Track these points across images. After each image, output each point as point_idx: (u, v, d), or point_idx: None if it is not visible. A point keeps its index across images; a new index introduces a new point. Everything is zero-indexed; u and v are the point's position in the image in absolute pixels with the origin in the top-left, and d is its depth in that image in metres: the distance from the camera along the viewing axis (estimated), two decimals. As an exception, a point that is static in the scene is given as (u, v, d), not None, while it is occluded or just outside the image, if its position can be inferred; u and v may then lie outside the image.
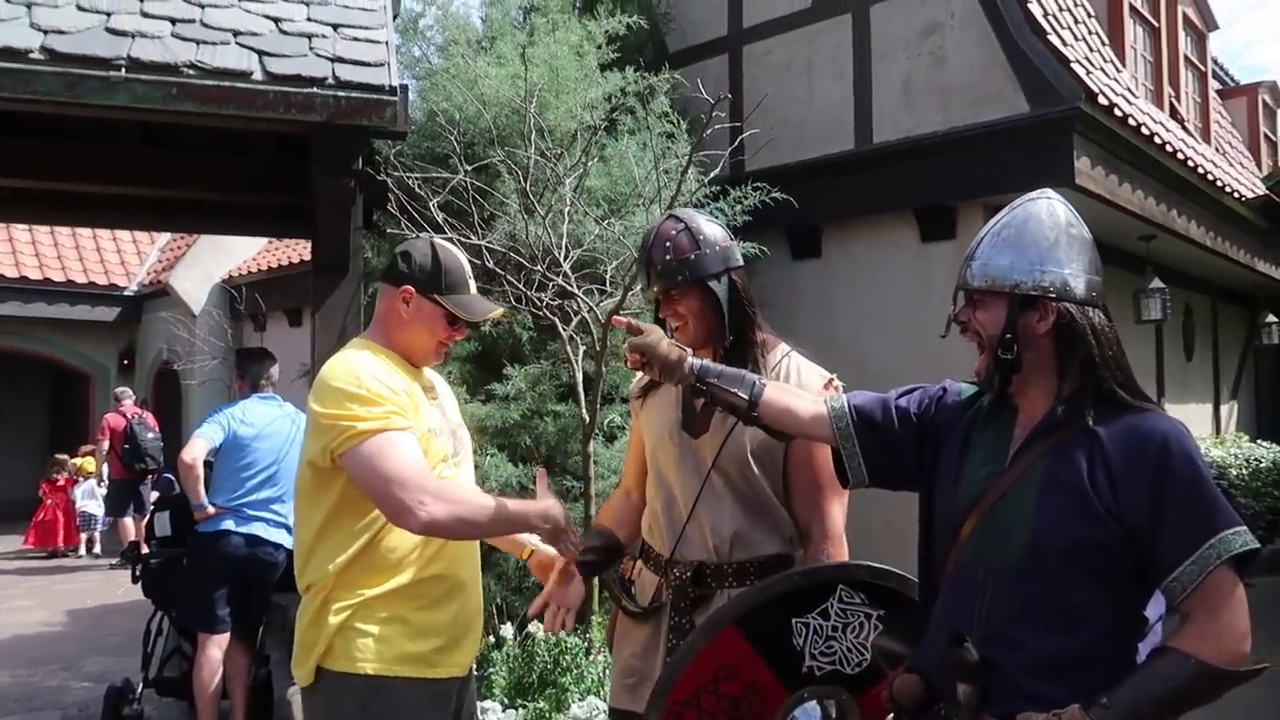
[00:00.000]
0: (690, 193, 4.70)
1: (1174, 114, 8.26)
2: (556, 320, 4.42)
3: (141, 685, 4.40)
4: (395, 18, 3.95)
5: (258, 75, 3.08)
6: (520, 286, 4.47)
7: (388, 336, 1.99)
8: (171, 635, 4.52)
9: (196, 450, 4.06)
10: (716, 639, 1.78)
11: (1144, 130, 6.04)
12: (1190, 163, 6.86)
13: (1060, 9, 6.28)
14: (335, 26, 3.43)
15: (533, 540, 2.19)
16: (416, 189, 4.56)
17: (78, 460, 10.66)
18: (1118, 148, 5.88)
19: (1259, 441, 9.03)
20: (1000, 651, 1.44)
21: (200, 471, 4.09)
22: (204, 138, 3.72)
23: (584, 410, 4.34)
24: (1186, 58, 8.94)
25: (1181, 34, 8.75)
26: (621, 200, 5.07)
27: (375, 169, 4.31)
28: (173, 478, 5.10)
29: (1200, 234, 7.39)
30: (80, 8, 3.13)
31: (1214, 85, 10.13)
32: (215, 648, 4.11)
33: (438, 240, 2.07)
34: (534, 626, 3.98)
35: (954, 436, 1.62)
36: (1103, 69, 6.51)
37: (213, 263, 11.39)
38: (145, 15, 3.19)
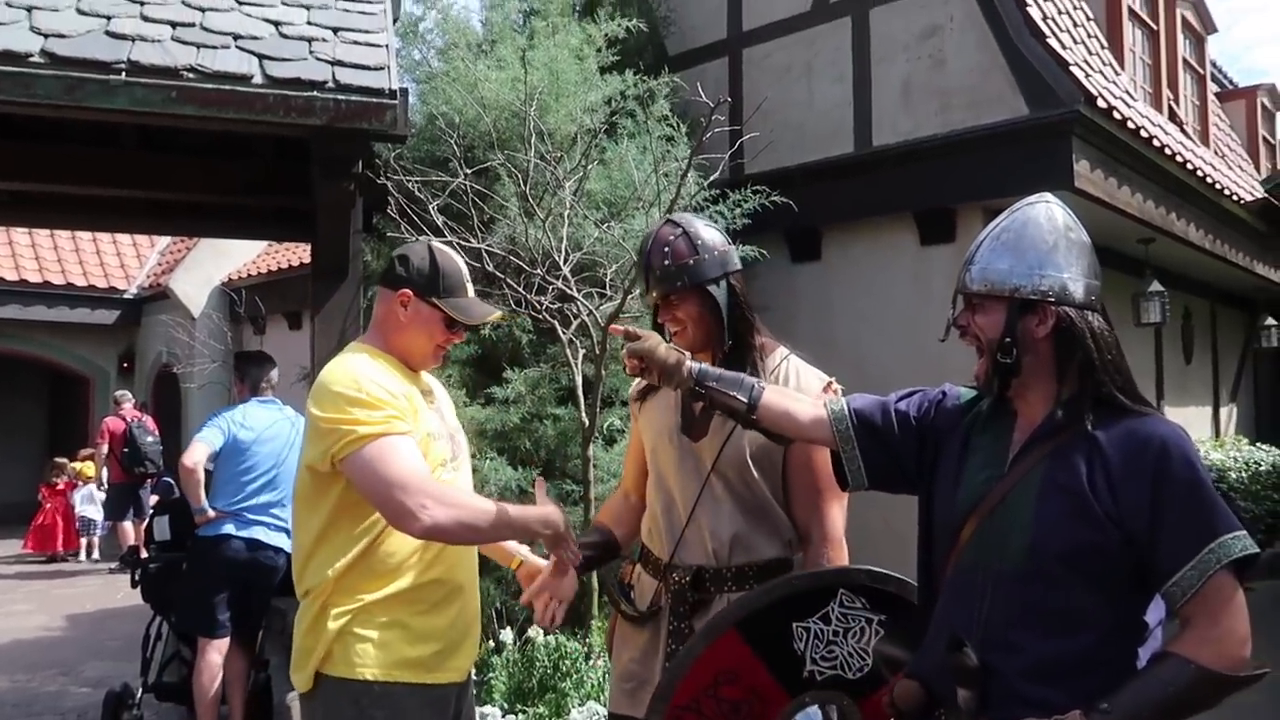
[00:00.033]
0: (690, 196, 4.70)
1: (1173, 117, 8.26)
2: (556, 324, 4.42)
3: (141, 690, 4.39)
4: (395, 21, 3.95)
5: (258, 79, 3.08)
6: (520, 290, 4.47)
7: (386, 340, 1.99)
8: (171, 640, 4.51)
9: (197, 455, 4.06)
10: (716, 643, 1.78)
11: (1143, 133, 6.05)
12: (1189, 166, 6.86)
13: (1059, 12, 6.28)
14: (335, 30, 3.44)
15: (522, 550, 2.19)
16: (416, 192, 4.56)
17: (77, 464, 10.65)
18: (1117, 151, 5.88)
19: (1258, 444, 9.03)
20: (999, 655, 1.43)
21: (201, 476, 4.09)
22: (203, 141, 3.72)
23: (583, 414, 4.34)
24: (1185, 61, 8.95)
25: (1180, 37, 8.76)
26: (621, 203, 5.07)
27: (375, 172, 4.32)
28: (172, 481, 5.10)
29: (1199, 237, 7.39)
30: (81, 11, 3.13)
31: (1213, 88, 10.14)
32: (215, 652, 4.10)
33: (435, 243, 2.07)
34: (534, 631, 3.97)
35: (953, 440, 1.62)
36: (1102, 72, 6.52)
37: (212, 266, 11.39)
38: (145, 19, 3.19)
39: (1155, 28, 8.18)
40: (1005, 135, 5.60)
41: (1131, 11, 7.71)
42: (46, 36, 2.96)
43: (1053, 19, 5.96)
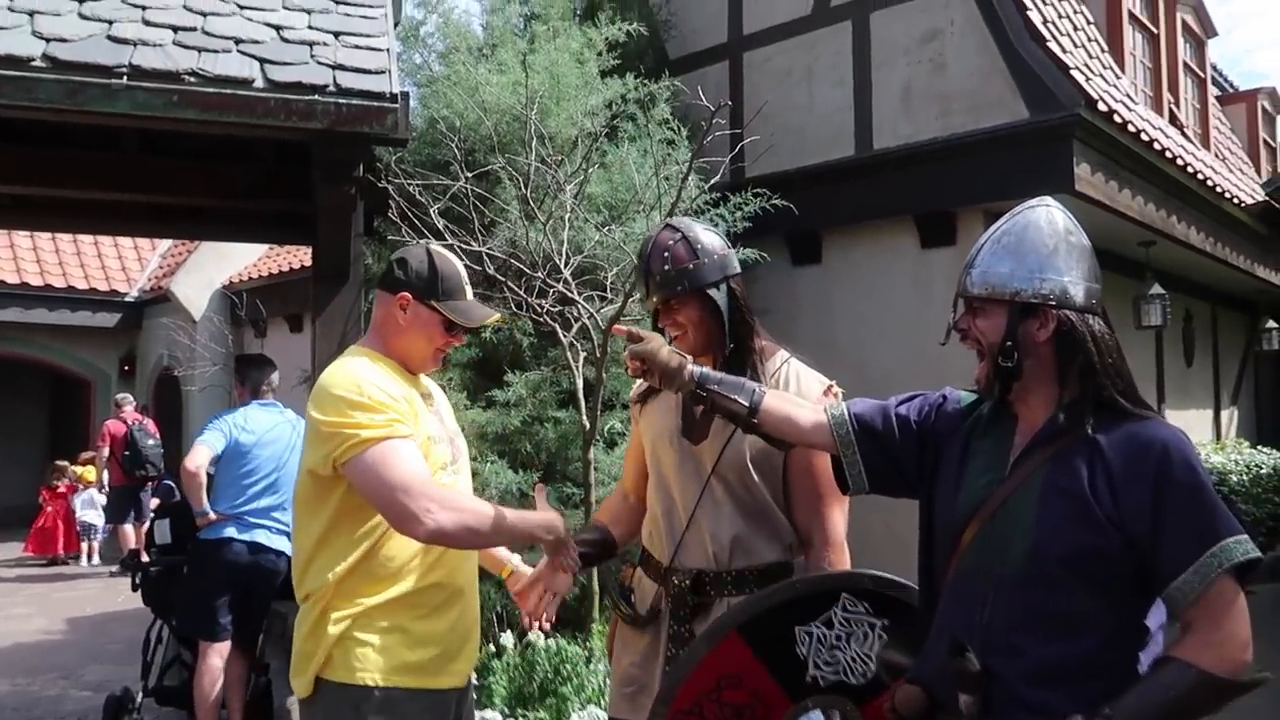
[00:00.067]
0: (691, 199, 4.71)
1: (1173, 120, 8.27)
2: (557, 327, 4.42)
3: (141, 694, 4.39)
4: (396, 25, 3.96)
5: (259, 83, 3.09)
6: (521, 293, 4.47)
7: (385, 343, 1.99)
8: (171, 644, 4.51)
9: (200, 458, 4.06)
10: (719, 647, 1.77)
11: (1143, 136, 6.05)
12: (1190, 169, 6.86)
13: (1059, 16, 6.29)
14: (336, 34, 3.44)
15: (513, 560, 2.20)
16: (417, 196, 4.56)
17: (78, 468, 10.65)
18: (1117, 154, 5.88)
19: (1259, 447, 9.02)
20: (1001, 660, 1.43)
21: (203, 479, 4.09)
22: (204, 145, 3.72)
23: (584, 417, 4.34)
24: (1185, 64, 8.96)
25: (1180, 40, 8.76)
26: (622, 207, 5.07)
27: (376, 176, 4.32)
28: (173, 484, 5.10)
29: (1200, 240, 7.39)
30: (82, 16, 3.14)
31: (1213, 91, 10.15)
32: (216, 656, 4.10)
33: (433, 246, 2.07)
34: (534, 635, 3.97)
35: (954, 444, 1.62)
36: (1102, 75, 6.52)
37: (214, 269, 11.40)
38: (147, 23, 3.19)
39: (1155, 31, 8.18)
40: (1006, 139, 5.60)
41: (1132, 15, 7.72)
42: (48, 41, 2.96)
43: (1053, 23, 5.96)
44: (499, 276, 4.50)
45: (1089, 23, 7.07)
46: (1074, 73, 5.48)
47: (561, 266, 4.39)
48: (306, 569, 1.89)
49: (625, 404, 4.79)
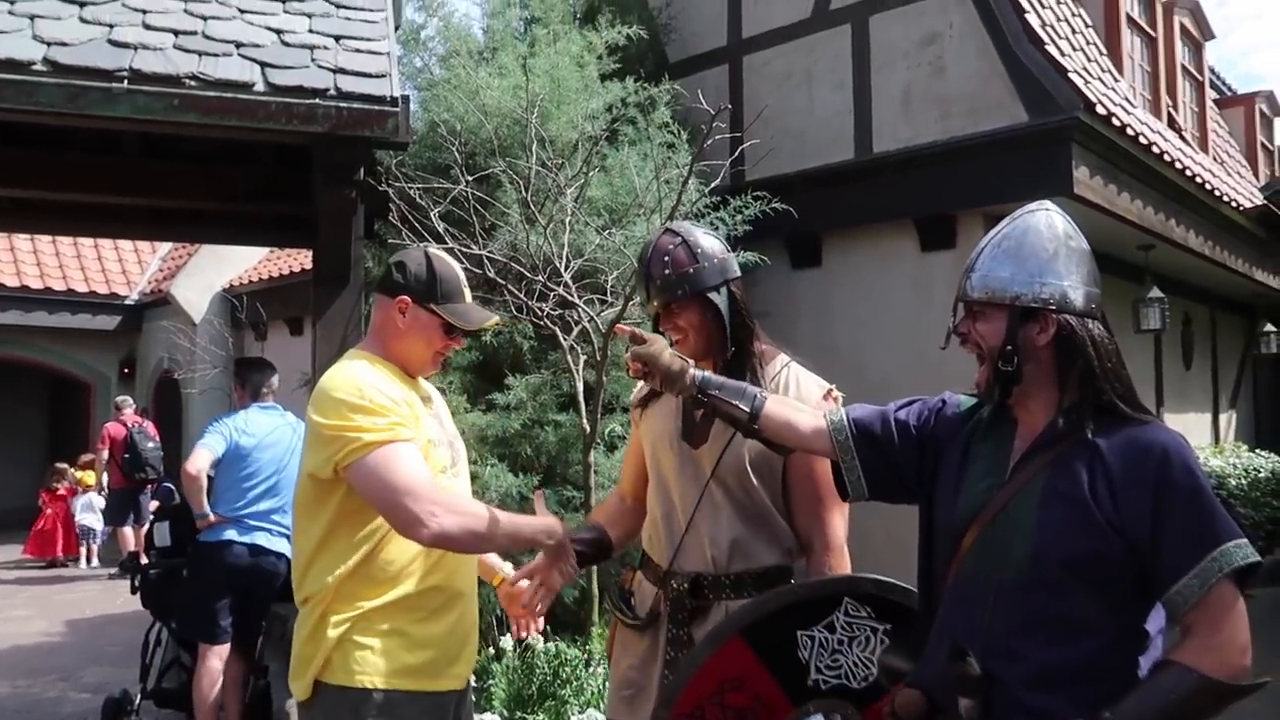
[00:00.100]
0: (691, 202, 4.71)
1: (1172, 123, 8.28)
2: (557, 330, 4.42)
3: (140, 696, 4.39)
4: (397, 29, 3.96)
5: (260, 86, 3.09)
6: (521, 296, 4.47)
7: (384, 347, 1.99)
8: (170, 646, 4.51)
9: (201, 461, 4.06)
10: (721, 650, 1.78)
11: (1142, 140, 6.06)
12: (1188, 172, 6.87)
13: (1058, 19, 6.30)
14: (337, 38, 3.44)
15: (505, 568, 2.20)
16: (418, 199, 4.57)
17: (78, 471, 10.65)
18: (1116, 157, 5.89)
19: (1258, 451, 9.02)
20: (1001, 664, 1.44)
21: (204, 482, 4.09)
22: (205, 148, 3.73)
23: (585, 420, 4.34)
24: (1184, 67, 8.97)
25: (1178, 43, 8.78)
26: (622, 210, 5.08)
27: (377, 179, 4.32)
28: (172, 487, 5.10)
29: (1198, 243, 7.40)
30: (83, 20, 3.14)
31: (1211, 95, 10.17)
32: (216, 658, 4.10)
33: (432, 249, 2.07)
34: (533, 638, 3.97)
35: (953, 448, 1.63)
36: (1100, 79, 6.53)
37: (214, 272, 11.39)
38: (148, 27, 3.20)
39: (1153, 35, 8.20)
40: (1005, 142, 5.61)
41: (1130, 19, 7.73)
42: (49, 44, 2.96)
43: (1051, 26, 5.97)
44: (499, 280, 4.51)
45: (1087, 26, 7.08)
46: (1072, 76, 5.49)
47: (562, 270, 4.39)
48: (306, 572, 1.89)
49: (626, 407, 4.79)
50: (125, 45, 3.06)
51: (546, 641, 3.99)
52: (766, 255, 5.79)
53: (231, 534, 4.12)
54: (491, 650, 4.01)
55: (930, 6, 6.07)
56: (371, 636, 1.84)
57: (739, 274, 2.09)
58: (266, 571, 4.14)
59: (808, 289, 6.61)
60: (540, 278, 4.47)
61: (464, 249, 4.41)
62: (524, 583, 2.06)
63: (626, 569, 2.24)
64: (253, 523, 4.15)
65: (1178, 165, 6.67)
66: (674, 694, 1.79)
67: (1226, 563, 1.35)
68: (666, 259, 2.01)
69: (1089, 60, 6.58)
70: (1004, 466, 1.54)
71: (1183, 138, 8.39)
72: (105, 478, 9.81)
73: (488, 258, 4.52)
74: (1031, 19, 5.65)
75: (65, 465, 10.81)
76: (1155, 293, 7.18)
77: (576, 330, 4.45)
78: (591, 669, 3.90)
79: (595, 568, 4.23)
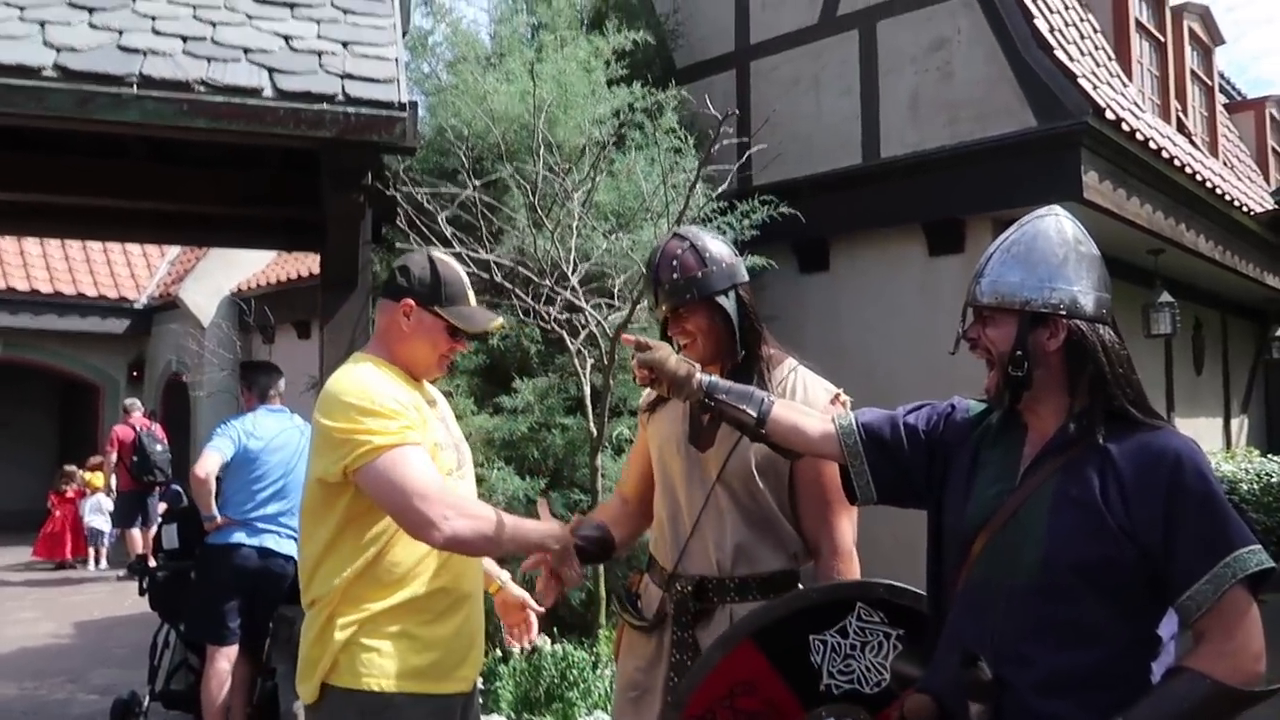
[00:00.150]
0: (698, 207, 4.72)
1: (1181, 128, 8.25)
2: (564, 334, 4.43)
3: (148, 698, 4.40)
4: (405, 35, 3.97)
5: (268, 92, 3.10)
6: (528, 300, 4.48)
7: (389, 350, 1.99)
8: (178, 648, 4.52)
9: (210, 465, 4.08)
10: (733, 653, 1.77)
11: (1151, 144, 6.04)
12: (1198, 177, 6.85)
13: (1066, 24, 6.29)
14: (345, 44, 3.45)
15: (503, 576, 2.21)
16: (425, 204, 4.58)
17: (86, 473, 10.69)
18: (1125, 162, 5.87)
19: (1270, 456, 8.97)
20: (1011, 669, 1.43)
21: (213, 485, 4.10)
22: (213, 152, 3.74)
23: (592, 423, 4.34)
24: (1193, 72, 8.94)
25: (1188, 48, 8.75)
26: (630, 215, 5.08)
27: (384, 184, 4.33)
28: (180, 489, 5.12)
29: (1209, 248, 7.37)
30: (92, 26, 3.16)
31: (1221, 99, 10.12)
32: (224, 660, 4.11)
33: (435, 253, 2.08)
34: (541, 640, 3.97)
35: (963, 454, 1.62)
36: (1109, 84, 6.52)
37: (222, 275, 11.44)
38: (156, 33, 3.21)
39: (1163, 39, 8.17)
40: (1013, 147, 5.60)
41: (1139, 23, 7.71)
42: (59, 50, 2.98)
43: (1060, 31, 5.96)
44: (507, 284, 4.51)
45: (1096, 31, 7.06)
46: (1081, 81, 5.48)
47: (569, 274, 4.40)
48: (313, 575, 1.90)
49: (633, 411, 4.79)
50: (134, 51, 3.07)
51: (554, 644, 3.99)
52: (774, 260, 5.78)
53: (240, 537, 4.13)
54: (498, 652, 4.01)
55: (938, 12, 6.07)
56: (378, 639, 1.84)
57: (747, 278, 2.09)
58: (275, 574, 4.15)
59: (815, 293, 6.60)
60: (547, 282, 4.47)
61: (471, 253, 4.42)
62: (518, 592, 2.14)
63: (634, 572, 2.25)
64: (261, 525, 4.16)
65: (1187, 170, 6.65)
66: (685, 696, 1.78)
67: (1240, 568, 1.34)
68: (675, 263, 2.01)
69: (1098, 65, 6.57)
70: (1014, 472, 1.53)
71: (1192, 142, 8.36)
72: (114, 480, 9.85)
73: (495, 262, 4.53)
74: (1040, 24, 5.64)
75: (74, 468, 10.86)
76: (1165, 297, 7.15)
77: (584, 334, 4.45)
78: (599, 671, 3.90)
79: (603, 571, 4.23)
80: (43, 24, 3.08)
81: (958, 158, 5.82)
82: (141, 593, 4.46)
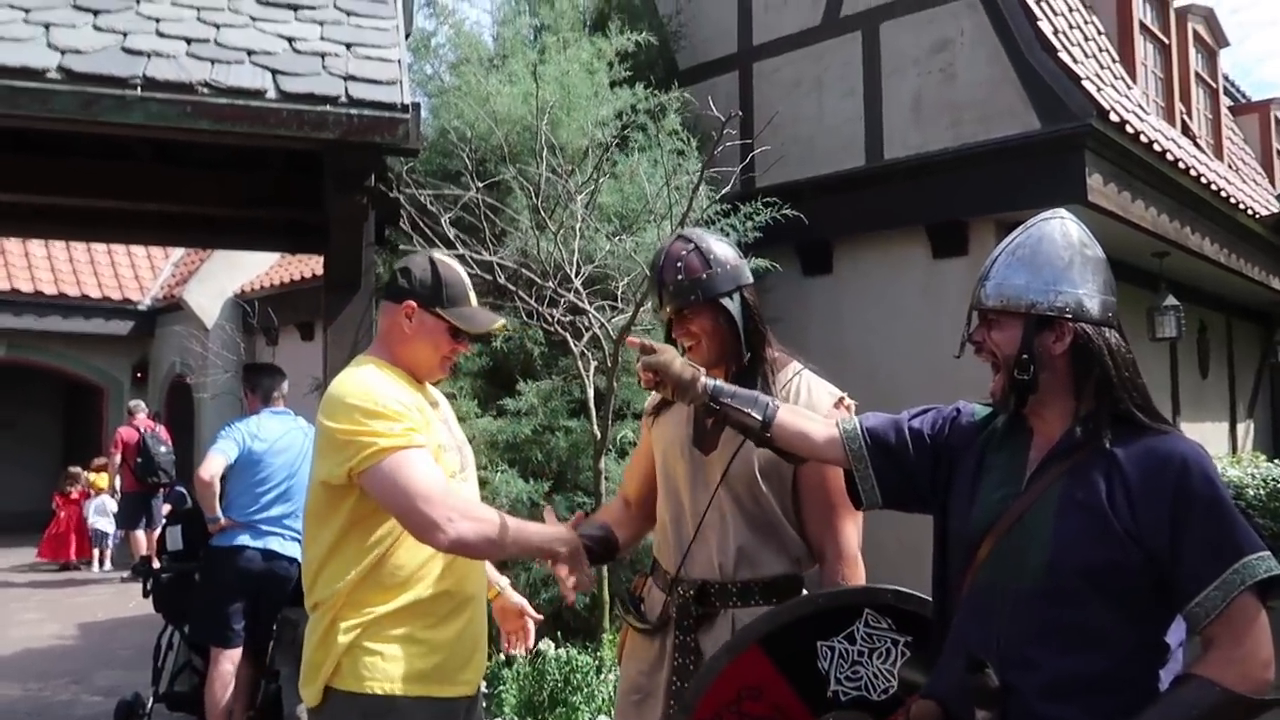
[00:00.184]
0: (701, 209, 4.71)
1: (1186, 131, 8.23)
2: (568, 336, 4.42)
3: (152, 700, 4.40)
4: (408, 36, 3.98)
5: (271, 94, 3.10)
6: (532, 302, 4.48)
7: (392, 353, 1.99)
8: (182, 650, 4.52)
9: (214, 467, 4.08)
10: (740, 658, 1.77)
11: (1156, 147, 6.02)
12: (1203, 179, 6.83)
13: (1070, 26, 6.27)
14: (348, 45, 3.46)
15: (502, 582, 2.20)
16: (428, 205, 4.58)
17: (91, 475, 10.71)
18: (1130, 164, 5.86)
19: (1276, 461, 8.93)
20: (1017, 673, 1.42)
21: (217, 488, 4.11)
22: (216, 154, 3.75)
23: (595, 426, 4.34)
24: (1197, 74, 8.92)
25: (1192, 50, 8.73)
26: (633, 216, 5.08)
27: (387, 185, 4.33)
28: (184, 491, 5.12)
29: (1214, 251, 7.35)
30: (97, 28, 3.16)
31: (1225, 102, 10.09)
32: (228, 662, 4.11)
33: (436, 254, 2.08)
34: (544, 644, 3.96)
35: (968, 458, 1.61)
36: (1113, 86, 6.50)
37: (226, 277, 11.46)
38: (160, 35, 3.22)
39: (1167, 41, 8.15)
40: (1017, 149, 5.59)
41: (1143, 25, 7.70)
42: (63, 52, 2.99)
43: (1064, 33, 5.95)
44: (510, 286, 4.51)
45: (1100, 33, 7.05)
46: (1085, 83, 5.46)
47: (572, 276, 4.39)
48: (316, 578, 1.89)
49: (637, 414, 4.79)
50: (138, 53, 3.08)
51: (557, 648, 3.98)
52: (777, 262, 5.78)
53: (245, 539, 4.13)
54: (502, 656, 4.00)
55: (941, 13, 6.05)
56: (382, 642, 1.84)
57: (752, 280, 2.09)
58: (279, 576, 4.15)
59: (819, 295, 6.59)
60: (551, 284, 4.47)
61: (474, 255, 4.42)
62: (516, 599, 2.18)
63: (639, 575, 2.24)
64: (266, 528, 4.16)
65: (1192, 172, 6.63)
66: (693, 701, 1.78)
67: (1249, 575, 1.33)
68: (679, 265, 2.01)
69: (1102, 67, 6.55)
70: (1020, 476, 1.52)
71: (1197, 145, 8.34)
72: (118, 482, 9.86)
73: (498, 264, 4.52)
74: (1044, 26, 5.62)
75: (78, 469, 10.88)
76: (1170, 300, 7.12)
77: (587, 336, 4.45)
78: (603, 675, 3.89)
79: (606, 574, 4.23)
80: (47, 26, 3.09)
81: (961, 160, 5.81)
82: (145, 594, 4.46)
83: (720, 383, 1.83)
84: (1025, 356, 1.48)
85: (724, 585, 1.98)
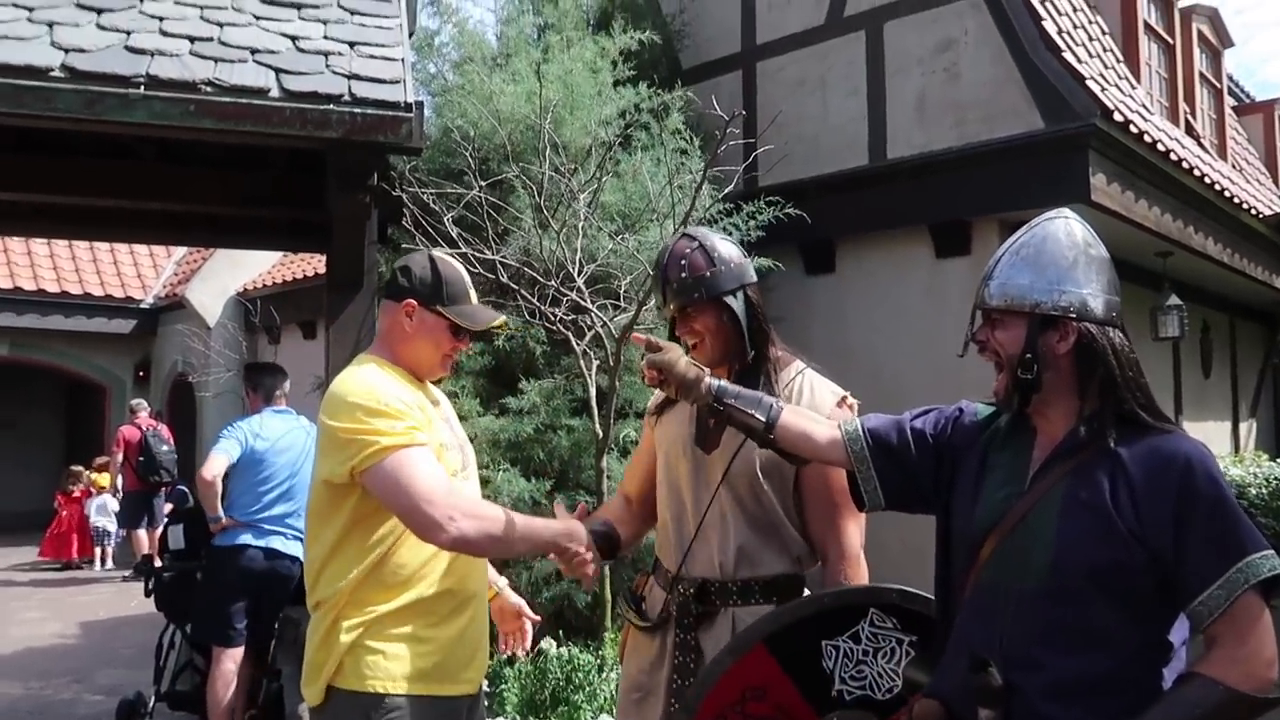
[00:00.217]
0: (704, 208, 4.70)
1: (1190, 131, 8.22)
2: (570, 335, 4.42)
3: (154, 699, 4.40)
4: (411, 35, 3.98)
5: (275, 92, 3.10)
6: (534, 301, 4.48)
7: (393, 351, 1.99)
8: (184, 649, 4.52)
9: (217, 467, 4.08)
10: (744, 659, 1.76)
11: (1160, 147, 6.01)
12: (1207, 179, 6.81)
13: (1074, 26, 6.27)
14: (352, 44, 3.46)
15: (500, 582, 2.20)
16: (431, 204, 4.58)
17: (93, 474, 10.72)
18: (1134, 164, 5.85)
19: (1278, 460, 8.92)
20: (1020, 674, 1.42)
21: (219, 488, 4.10)
22: (219, 153, 3.75)
23: (597, 425, 4.33)
24: (1201, 74, 8.90)
25: (1196, 50, 8.71)
26: (636, 215, 5.08)
27: (390, 184, 4.33)
28: (186, 490, 5.13)
29: (1217, 251, 7.34)
30: (100, 27, 3.17)
31: (1229, 102, 10.07)
32: (230, 661, 4.11)
33: (436, 253, 2.09)
34: (546, 643, 3.96)
35: (971, 457, 1.61)
36: (1117, 86, 6.49)
37: (228, 276, 11.47)
38: (164, 34, 3.22)
39: (1171, 41, 8.14)
40: (1021, 148, 5.58)
41: (1147, 25, 7.68)
42: (67, 51, 2.99)
43: (1068, 33, 5.94)
44: (512, 285, 4.51)
45: (1104, 33, 7.04)
46: (1089, 83, 5.45)
47: (575, 275, 4.39)
48: (318, 577, 1.89)
49: (639, 413, 4.79)
50: (142, 52, 3.08)
51: (559, 647, 3.98)
52: (780, 261, 5.77)
53: (247, 538, 4.13)
54: (504, 655, 4.00)
55: (945, 13, 6.05)
56: (384, 641, 1.83)
57: (756, 279, 2.09)
58: (282, 575, 4.15)
59: (822, 295, 6.59)
60: (553, 283, 4.47)
61: (477, 254, 4.42)
62: (514, 600, 2.18)
63: (640, 573, 2.24)
64: (268, 527, 4.16)
65: (1196, 172, 6.62)
66: (696, 702, 1.78)
67: (1253, 574, 1.33)
68: (683, 262, 2.01)
69: (1106, 67, 6.54)
70: (1023, 475, 1.52)
71: (1201, 145, 8.33)
72: (120, 480, 9.87)
73: (501, 263, 4.52)
74: (1048, 25, 5.62)
75: (81, 468, 10.89)
76: (1173, 300, 7.11)
77: (589, 335, 4.45)
78: (604, 674, 3.89)
79: (608, 573, 4.23)
80: (51, 25, 3.09)
81: (965, 159, 5.80)
82: (147, 593, 4.46)
83: (724, 383, 1.83)
84: (1029, 356, 1.48)
85: (724, 584, 1.98)
